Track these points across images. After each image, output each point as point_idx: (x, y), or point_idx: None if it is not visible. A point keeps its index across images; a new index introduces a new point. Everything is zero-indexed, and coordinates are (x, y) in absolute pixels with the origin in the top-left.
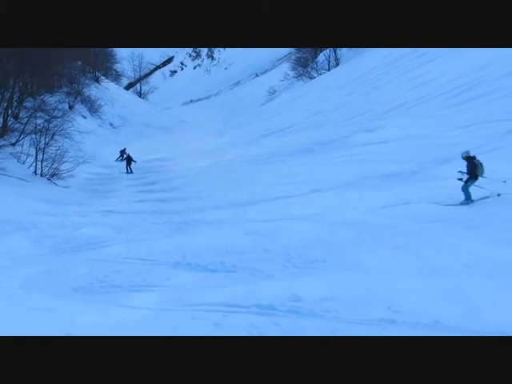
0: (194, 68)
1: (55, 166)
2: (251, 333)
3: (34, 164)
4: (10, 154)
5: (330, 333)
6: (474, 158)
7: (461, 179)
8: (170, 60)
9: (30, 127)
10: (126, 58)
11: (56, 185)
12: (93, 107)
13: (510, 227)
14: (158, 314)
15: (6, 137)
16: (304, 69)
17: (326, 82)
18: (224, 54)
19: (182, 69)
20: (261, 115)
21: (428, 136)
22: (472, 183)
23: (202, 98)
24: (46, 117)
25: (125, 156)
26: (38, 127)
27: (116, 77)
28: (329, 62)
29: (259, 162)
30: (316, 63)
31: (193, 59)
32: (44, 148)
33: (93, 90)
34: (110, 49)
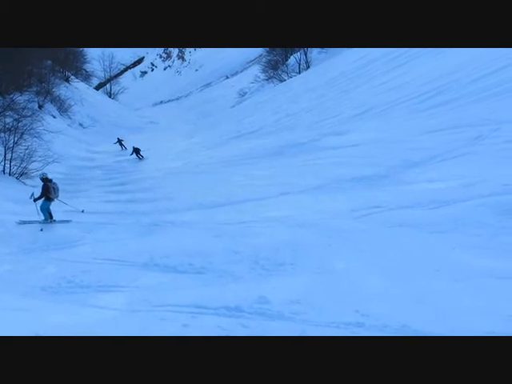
0: (165, 69)
1: (24, 165)
2: (219, 334)
3: (3, 163)
4: None
5: (297, 335)
6: (50, 180)
7: (32, 198)
8: (140, 60)
9: None
10: (96, 57)
11: (25, 184)
12: (62, 107)
13: (477, 232)
14: (126, 314)
15: None
16: (274, 71)
17: (296, 84)
18: (195, 55)
19: (153, 70)
20: (231, 117)
21: (397, 140)
22: (48, 204)
23: (173, 99)
24: (16, 116)
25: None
26: (7, 126)
27: (86, 77)
28: (299, 64)
29: (229, 163)
30: (286, 66)
31: (163, 60)
32: (13, 147)
33: (62, 90)
34: (81, 48)
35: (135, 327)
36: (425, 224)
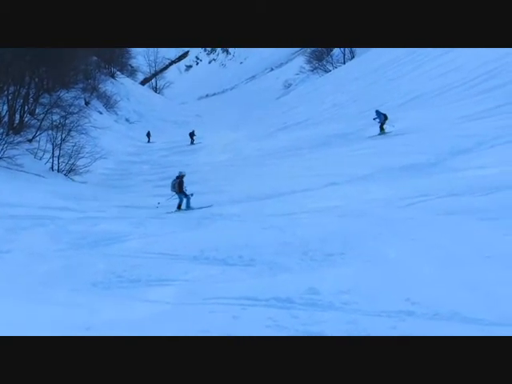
0: (210, 62)
1: (72, 161)
2: (269, 326)
3: (51, 160)
4: (27, 150)
5: (348, 325)
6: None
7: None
8: (185, 55)
9: (46, 123)
10: (141, 53)
11: (73, 180)
12: (109, 103)
13: None
14: (176, 307)
15: (22, 133)
16: (319, 62)
17: (341, 74)
18: (239, 48)
19: (198, 63)
20: (277, 109)
21: (445, 127)
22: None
23: (218, 93)
24: (63, 113)
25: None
26: (55, 123)
27: (131, 72)
28: (344, 55)
29: (276, 155)
30: (331, 56)
31: (208, 54)
32: (60, 144)
33: (108, 86)
34: None
35: (186, 320)
36: (475, 211)
